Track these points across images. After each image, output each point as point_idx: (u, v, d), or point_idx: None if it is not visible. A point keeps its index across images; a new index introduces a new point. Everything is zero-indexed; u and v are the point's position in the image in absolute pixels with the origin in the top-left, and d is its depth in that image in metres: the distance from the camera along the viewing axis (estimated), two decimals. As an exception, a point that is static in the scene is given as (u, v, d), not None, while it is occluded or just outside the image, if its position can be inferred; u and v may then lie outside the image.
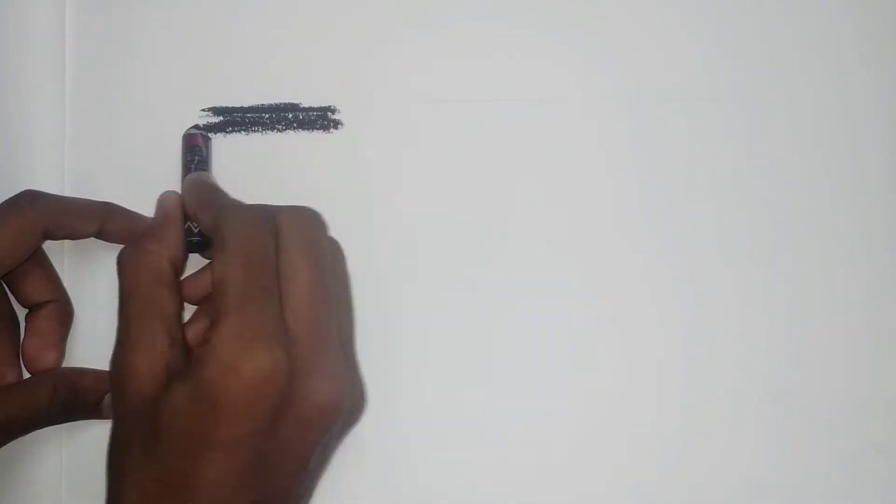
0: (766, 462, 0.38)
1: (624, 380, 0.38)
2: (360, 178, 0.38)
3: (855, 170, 0.38)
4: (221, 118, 0.38)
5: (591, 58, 0.39)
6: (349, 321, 0.32)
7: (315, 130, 0.38)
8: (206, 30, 0.39)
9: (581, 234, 0.38)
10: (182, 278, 0.33)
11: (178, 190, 0.36)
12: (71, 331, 0.37)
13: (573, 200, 0.38)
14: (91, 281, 0.38)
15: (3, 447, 0.34)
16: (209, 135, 0.38)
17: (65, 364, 0.36)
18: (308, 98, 0.38)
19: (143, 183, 0.38)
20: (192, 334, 0.34)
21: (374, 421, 0.38)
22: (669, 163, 0.39)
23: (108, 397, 0.36)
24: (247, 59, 0.39)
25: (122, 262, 0.31)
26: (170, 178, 0.38)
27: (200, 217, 0.33)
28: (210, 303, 0.34)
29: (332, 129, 0.38)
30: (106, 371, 0.37)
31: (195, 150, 0.37)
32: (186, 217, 0.34)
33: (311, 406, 0.29)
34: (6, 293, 0.36)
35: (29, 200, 0.34)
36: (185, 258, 0.33)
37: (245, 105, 0.38)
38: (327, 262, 0.31)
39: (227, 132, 0.38)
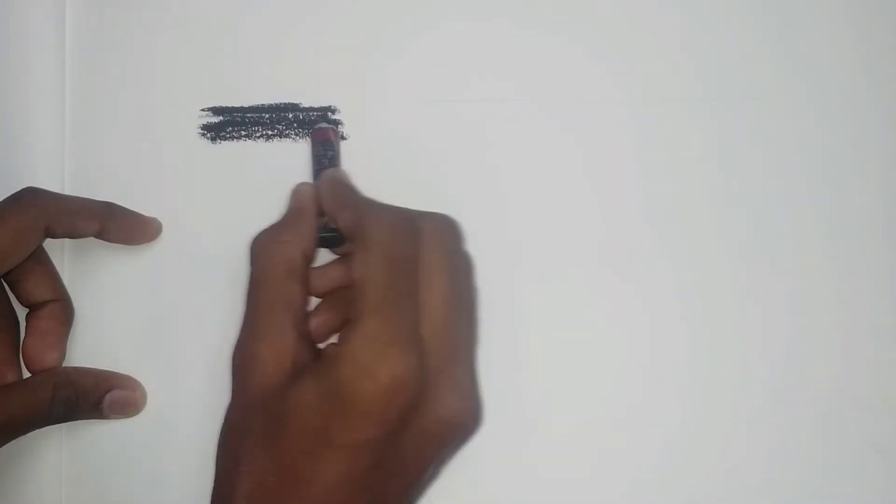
0: (766, 462, 0.38)
1: (622, 380, 0.38)
2: (359, 179, 0.38)
3: (855, 170, 0.38)
4: (221, 118, 0.38)
5: (591, 58, 0.39)
6: (476, 336, 0.32)
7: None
8: (205, 30, 0.39)
9: (581, 234, 0.38)
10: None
11: (310, 183, 0.36)
12: (71, 331, 0.37)
13: (573, 200, 0.38)
14: (91, 280, 0.38)
15: (4, 447, 0.34)
16: (339, 129, 0.38)
17: (65, 364, 0.37)
18: (308, 98, 0.38)
19: (143, 183, 0.38)
20: (314, 327, 0.34)
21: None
22: (669, 163, 0.39)
23: (108, 397, 0.36)
24: (247, 60, 0.39)
25: (255, 250, 0.32)
26: (170, 178, 0.38)
27: (340, 215, 0.33)
28: (336, 298, 0.34)
29: (331, 129, 0.38)
30: (106, 371, 0.37)
31: (327, 145, 0.37)
32: (320, 212, 0.34)
33: (438, 418, 0.29)
34: (6, 293, 0.36)
35: (30, 198, 0.34)
36: (316, 252, 0.33)
37: (245, 105, 0.38)
38: (462, 274, 0.31)
39: (226, 132, 0.38)
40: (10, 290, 0.36)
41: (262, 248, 0.32)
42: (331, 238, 0.34)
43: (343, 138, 0.38)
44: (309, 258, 0.32)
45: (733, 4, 0.39)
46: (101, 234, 0.35)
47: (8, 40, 0.38)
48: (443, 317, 0.29)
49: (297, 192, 0.35)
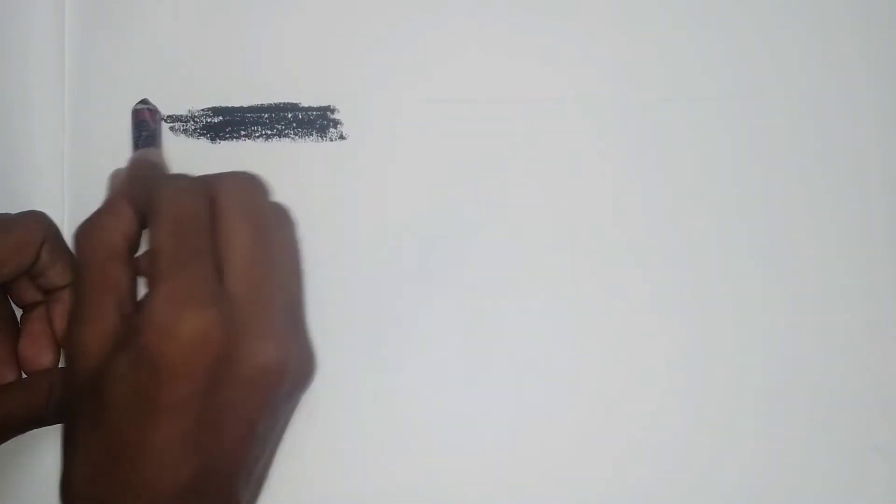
0: (766, 462, 0.38)
1: (621, 380, 0.38)
2: (359, 178, 0.38)
3: (854, 169, 0.38)
4: (221, 118, 0.38)
5: (590, 58, 0.39)
6: (296, 285, 0.32)
7: (314, 130, 0.38)
8: (205, 30, 0.39)
9: (580, 234, 0.38)
10: (137, 255, 0.33)
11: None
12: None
13: (572, 200, 0.38)
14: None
15: (3, 447, 0.34)
16: (158, 109, 0.37)
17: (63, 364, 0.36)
18: (307, 98, 0.38)
19: (143, 183, 0.38)
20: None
21: (367, 418, 0.38)
22: (669, 163, 0.38)
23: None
24: (246, 60, 0.39)
25: (77, 237, 0.32)
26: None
27: (137, 194, 0.33)
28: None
29: (331, 129, 0.38)
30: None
31: (142, 126, 0.37)
32: None
33: (253, 366, 0.29)
34: (5, 295, 0.36)
35: (36, 216, 0.35)
36: (139, 233, 0.33)
37: (244, 105, 0.38)
38: (269, 225, 0.31)
39: (226, 132, 0.38)
40: (15, 288, 0.35)
41: (83, 234, 0.32)
42: None
43: (342, 138, 0.38)
44: (131, 240, 0.32)
45: (733, 4, 0.39)
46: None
47: (8, 40, 0.38)
48: (246, 267, 0.29)
49: (112, 177, 0.35)
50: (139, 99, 0.38)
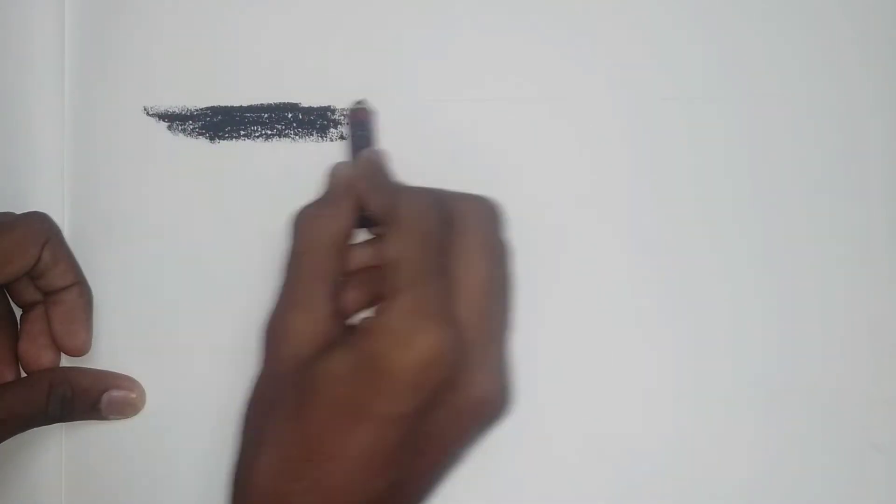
0: (765, 462, 0.38)
1: (620, 379, 0.38)
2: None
3: (853, 169, 0.38)
4: (220, 117, 0.38)
5: (590, 58, 0.39)
6: (509, 322, 0.32)
7: (314, 130, 0.38)
8: (205, 29, 0.39)
9: (579, 234, 0.38)
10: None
11: (347, 163, 0.36)
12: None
13: (572, 200, 0.38)
14: (90, 281, 0.37)
15: (3, 447, 0.34)
16: (374, 110, 0.37)
17: (63, 364, 0.37)
18: (308, 98, 0.38)
19: (142, 182, 0.38)
20: (344, 303, 0.33)
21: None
22: (668, 163, 0.38)
23: (106, 397, 0.36)
24: (246, 59, 0.39)
25: (298, 222, 0.32)
26: (169, 177, 0.38)
27: (373, 197, 0.33)
28: (365, 277, 0.33)
29: (331, 129, 0.38)
30: (104, 371, 0.37)
31: (363, 126, 0.37)
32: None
33: (470, 398, 0.28)
34: (5, 295, 0.36)
35: (39, 216, 0.35)
36: (354, 230, 0.33)
37: (244, 104, 0.38)
38: (499, 258, 0.31)
39: (225, 132, 0.38)
40: (17, 288, 0.35)
41: (305, 220, 0.32)
42: (369, 217, 0.34)
43: (342, 138, 0.38)
44: (348, 235, 0.32)
45: (732, 5, 0.39)
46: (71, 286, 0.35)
47: (8, 40, 0.38)
48: (478, 298, 0.29)
49: (334, 172, 0.35)
50: (144, 100, 0.38)
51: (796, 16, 0.39)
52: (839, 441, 0.38)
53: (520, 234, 0.38)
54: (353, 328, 0.31)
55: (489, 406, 0.29)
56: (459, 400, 0.28)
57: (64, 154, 0.38)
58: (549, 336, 0.38)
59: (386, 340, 0.27)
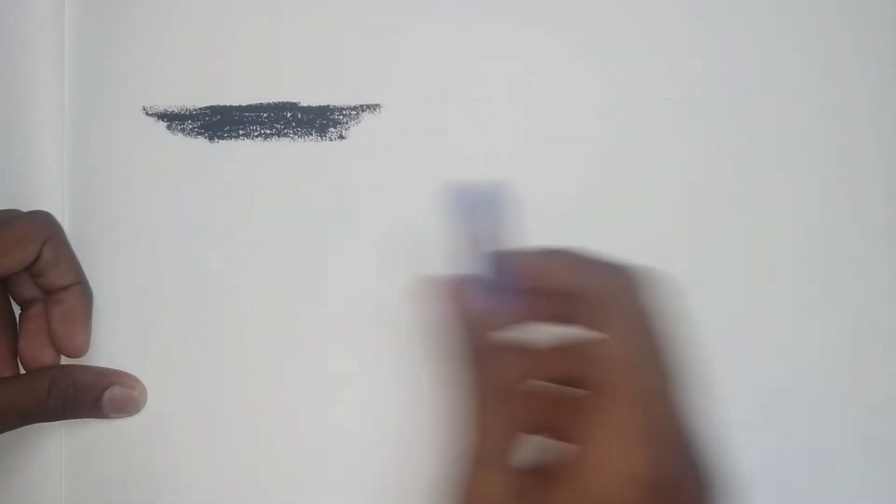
0: (766, 461, 0.37)
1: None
2: (359, 179, 0.38)
3: (854, 169, 0.38)
4: (219, 117, 0.38)
5: (590, 58, 0.39)
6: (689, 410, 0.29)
7: (313, 130, 0.38)
8: (204, 29, 0.39)
9: (579, 234, 0.38)
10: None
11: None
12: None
13: (572, 200, 0.38)
14: (90, 281, 0.38)
15: (4, 447, 0.34)
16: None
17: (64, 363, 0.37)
18: (306, 97, 0.38)
19: (142, 182, 0.38)
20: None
21: (362, 418, 0.38)
22: (668, 162, 0.38)
23: (107, 394, 0.36)
24: (245, 59, 0.39)
25: (483, 362, 0.27)
26: (169, 177, 0.38)
27: (566, 279, 0.28)
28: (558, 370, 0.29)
29: (330, 129, 0.38)
30: (106, 368, 0.37)
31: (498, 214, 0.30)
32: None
33: (693, 500, 0.26)
34: (6, 293, 0.36)
35: (41, 215, 0.35)
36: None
37: (243, 104, 0.38)
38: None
39: (224, 131, 0.38)
40: (36, 278, 0.36)
41: (493, 359, 0.27)
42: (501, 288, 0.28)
43: (342, 137, 0.38)
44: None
45: (733, 4, 0.39)
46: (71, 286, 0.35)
47: (8, 40, 0.38)
48: (677, 398, 0.27)
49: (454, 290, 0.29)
50: (143, 100, 0.38)
51: (798, 15, 0.39)
52: (839, 441, 0.37)
53: (520, 234, 0.38)
54: (561, 457, 0.27)
55: (707, 500, 0.27)
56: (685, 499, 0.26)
57: (64, 154, 0.38)
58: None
59: (607, 477, 0.25)
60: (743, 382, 0.38)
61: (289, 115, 0.38)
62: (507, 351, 0.27)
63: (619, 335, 0.26)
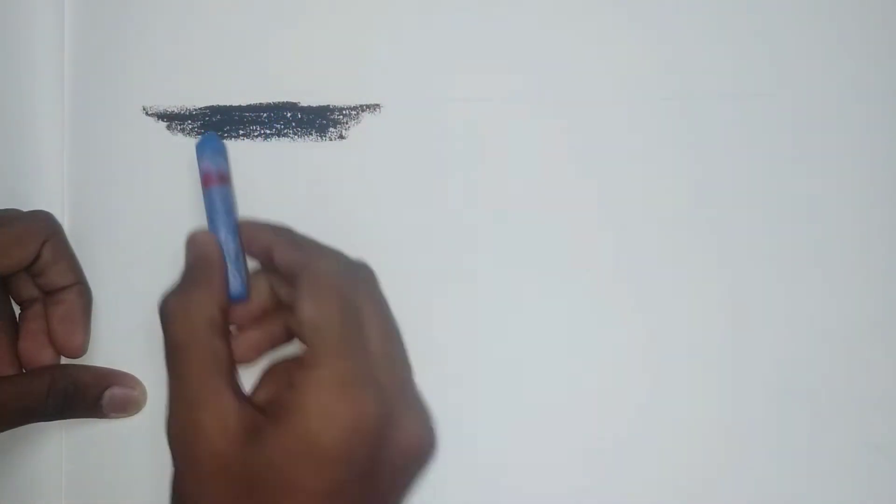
0: (766, 462, 0.37)
1: (623, 380, 0.38)
2: (359, 179, 0.38)
3: (855, 168, 0.38)
4: (219, 117, 0.38)
5: (590, 57, 0.39)
6: (411, 366, 0.32)
7: (313, 130, 0.38)
8: (204, 29, 0.39)
9: (580, 234, 0.38)
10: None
11: (208, 232, 0.33)
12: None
13: (573, 200, 0.38)
14: (90, 280, 0.38)
15: (3, 445, 0.34)
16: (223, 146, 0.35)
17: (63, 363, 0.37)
18: (306, 97, 0.38)
19: (142, 182, 0.38)
20: (240, 353, 0.32)
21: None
22: (668, 162, 0.38)
23: (107, 394, 0.36)
24: (245, 59, 0.39)
25: (168, 314, 0.30)
26: (169, 177, 0.38)
27: (287, 253, 0.31)
28: (264, 322, 0.33)
29: (330, 129, 0.38)
30: (106, 368, 0.37)
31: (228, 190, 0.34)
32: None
33: (403, 448, 0.29)
34: (6, 293, 0.36)
35: (43, 214, 0.35)
36: (226, 302, 0.32)
37: (243, 104, 0.38)
38: (389, 311, 0.32)
39: (224, 131, 0.38)
40: (35, 278, 0.36)
41: (177, 311, 0.30)
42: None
43: (342, 137, 0.38)
44: (225, 311, 0.31)
45: (734, 4, 0.39)
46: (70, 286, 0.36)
47: (8, 40, 0.38)
48: (385, 352, 0.30)
49: (198, 243, 0.33)
50: (143, 100, 0.38)
51: (799, 14, 0.39)
52: (839, 441, 0.37)
53: (520, 234, 0.38)
54: (272, 405, 0.30)
55: (420, 450, 0.29)
56: (393, 454, 0.28)
57: (64, 154, 0.38)
58: (550, 336, 0.38)
59: (313, 418, 0.27)
60: (742, 382, 0.38)
61: (289, 115, 0.38)
62: (193, 303, 0.30)
63: (309, 301, 0.29)
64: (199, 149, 0.34)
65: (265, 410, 0.29)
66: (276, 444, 0.27)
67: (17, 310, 0.37)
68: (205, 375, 0.29)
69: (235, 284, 0.32)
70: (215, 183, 0.33)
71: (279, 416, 0.28)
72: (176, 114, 0.39)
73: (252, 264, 0.34)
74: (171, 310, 0.30)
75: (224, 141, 0.39)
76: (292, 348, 0.34)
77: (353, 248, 0.38)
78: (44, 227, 0.35)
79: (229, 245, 0.33)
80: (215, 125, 0.38)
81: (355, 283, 0.30)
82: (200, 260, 0.32)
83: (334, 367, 0.28)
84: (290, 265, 0.31)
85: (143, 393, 0.37)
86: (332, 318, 0.29)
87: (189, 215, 0.38)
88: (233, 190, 0.34)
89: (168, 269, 0.38)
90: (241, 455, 0.28)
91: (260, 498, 0.27)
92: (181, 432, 0.29)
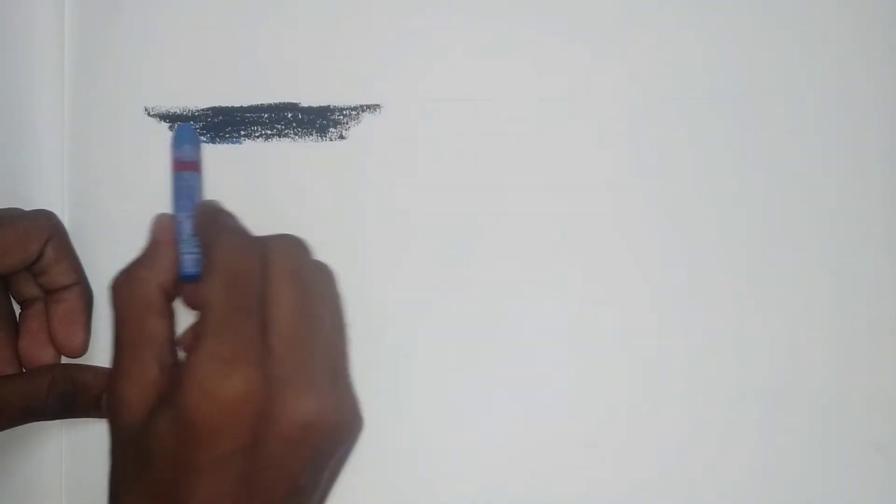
0: (766, 462, 0.37)
1: (622, 380, 0.38)
2: (358, 179, 0.38)
3: (854, 168, 0.38)
4: (220, 118, 0.39)
5: (590, 57, 0.39)
6: (340, 342, 0.32)
7: (314, 130, 0.38)
8: (205, 29, 0.39)
9: (580, 234, 0.38)
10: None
11: (169, 215, 0.34)
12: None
13: (574, 200, 0.38)
14: (90, 280, 0.38)
15: (3, 445, 0.34)
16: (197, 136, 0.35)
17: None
18: (307, 98, 0.39)
19: (142, 182, 0.38)
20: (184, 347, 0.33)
21: (368, 418, 0.38)
22: (669, 162, 0.38)
23: (106, 395, 0.36)
24: (246, 60, 0.39)
25: (113, 292, 0.32)
26: (168, 177, 0.38)
27: (203, 237, 0.33)
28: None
29: (331, 129, 0.38)
30: (107, 368, 0.37)
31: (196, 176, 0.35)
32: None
33: (293, 423, 0.29)
34: (7, 292, 0.36)
35: (45, 213, 0.35)
36: (178, 281, 0.32)
37: (244, 105, 0.38)
38: (314, 284, 0.31)
39: (225, 132, 0.39)
40: (37, 277, 0.36)
41: (119, 288, 0.32)
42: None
43: (342, 138, 0.38)
44: (169, 290, 0.32)
45: (733, 4, 0.39)
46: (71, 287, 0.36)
47: (8, 40, 0.38)
48: (290, 326, 0.30)
49: (154, 225, 0.34)
50: (145, 101, 0.38)
51: (798, 15, 0.39)
52: (839, 441, 0.37)
53: (522, 234, 0.38)
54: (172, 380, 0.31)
55: (315, 428, 0.29)
56: (282, 429, 0.28)
57: (64, 154, 0.38)
58: (551, 336, 0.38)
59: (191, 391, 0.28)
60: (742, 382, 0.38)
61: (289, 115, 0.39)
62: (135, 279, 0.31)
63: (206, 277, 0.30)
64: (178, 137, 0.34)
65: None
66: (166, 416, 0.28)
67: (17, 309, 0.37)
68: (133, 350, 0.30)
69: (186, 264, 0.33)
70: (183, 168, 0.34)
71: (172, 389, 0.29)
72: (177, 115, 0.39)
73: None
74: (112, 287, 0.32)
75: (224, 142, 0.39)
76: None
77: (353, 248, 0.38)
78: (46, 227, 0.35)
79: (184, 226, 0.33)
80: (217, 126, 0.38)
81: (260, 260, 0.30)
82: (152, 241, 0.33)
83: (212, 344, 0.28)
84: (205, 245, 0.32)
85: (143, 393, 0.37)
86: (216, 297, 0.29)
87: (189, 215, 0.38)
88: (201, 177, 0.34)
89: (168, 269, 0.38)
90: (146, 426, 0.29)
91: (157, 469, 0.28)
92: (108, 401, 0.30)
